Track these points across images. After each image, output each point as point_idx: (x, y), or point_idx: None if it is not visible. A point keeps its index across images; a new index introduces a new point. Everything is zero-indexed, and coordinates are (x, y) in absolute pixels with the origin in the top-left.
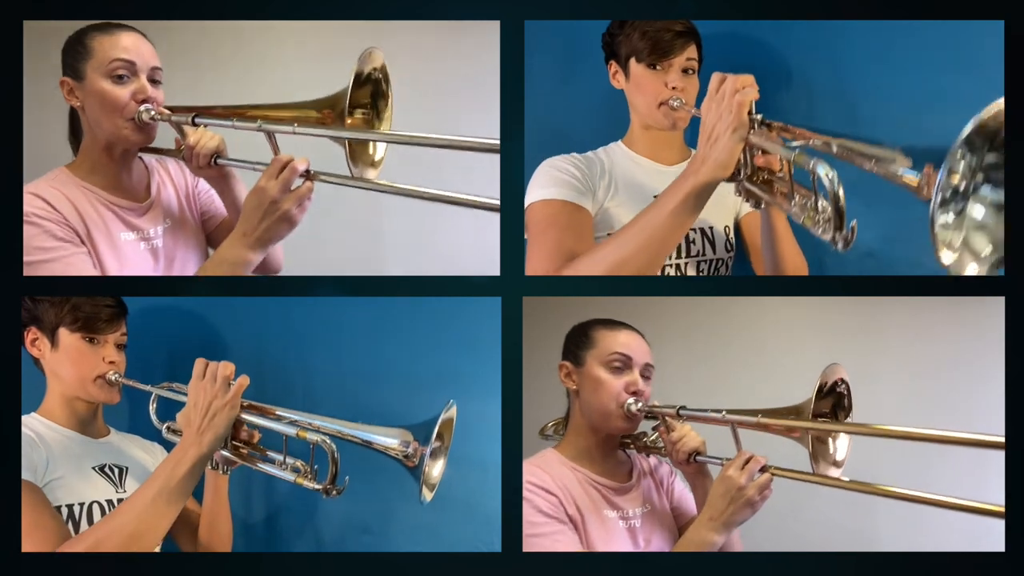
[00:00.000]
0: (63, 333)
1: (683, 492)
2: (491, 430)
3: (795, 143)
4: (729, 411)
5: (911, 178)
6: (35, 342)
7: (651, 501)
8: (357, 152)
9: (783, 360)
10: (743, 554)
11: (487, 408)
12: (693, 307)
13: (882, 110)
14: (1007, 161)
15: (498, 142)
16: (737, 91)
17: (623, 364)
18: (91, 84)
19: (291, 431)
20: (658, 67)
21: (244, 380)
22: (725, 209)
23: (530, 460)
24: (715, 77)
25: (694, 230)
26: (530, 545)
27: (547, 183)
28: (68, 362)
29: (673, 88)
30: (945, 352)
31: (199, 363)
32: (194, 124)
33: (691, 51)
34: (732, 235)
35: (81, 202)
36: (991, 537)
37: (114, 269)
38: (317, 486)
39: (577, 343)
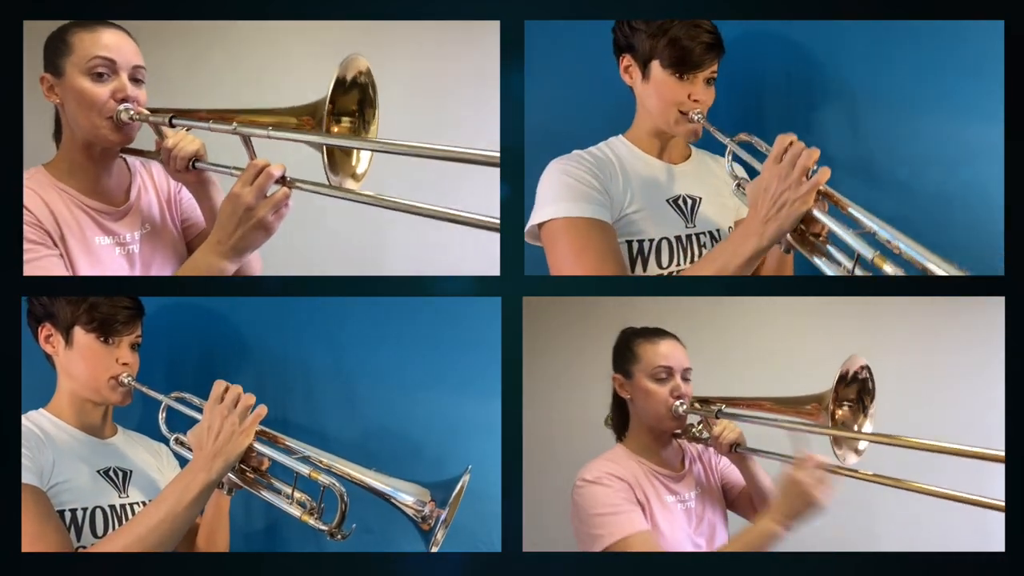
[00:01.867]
0: (78, 332)
1: (728, 466)
2: (491, 430)
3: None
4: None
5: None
6: (49, 338)
7: (702, 484)
8: (338, 162)
9: (783, 360)
10: (743, 554)
11: (487, 408)
12: (694, 307)
13: (881, 110)
14: (1007, 161)
15: (497, 154)
16: (808, 168)
17: (667, 374)
18: (70, 81)
19: (303, 468)
20: (685, 77)
21: (262, 410)
22: (727, 211)
23: (603, 456)
24: (781, 140)
25: (704, 233)
26: (607, 524)
27: (567, 196)
28: (81, 362)
29: (696, 100)
30: (945, 352)
31: (218, 385)
32: (171, 125)
33: (716, 64)
34: None
35: (56, 204)
36: (991, 537)
37: (87, 273)
38: (323, 527)
39: (624, 358)
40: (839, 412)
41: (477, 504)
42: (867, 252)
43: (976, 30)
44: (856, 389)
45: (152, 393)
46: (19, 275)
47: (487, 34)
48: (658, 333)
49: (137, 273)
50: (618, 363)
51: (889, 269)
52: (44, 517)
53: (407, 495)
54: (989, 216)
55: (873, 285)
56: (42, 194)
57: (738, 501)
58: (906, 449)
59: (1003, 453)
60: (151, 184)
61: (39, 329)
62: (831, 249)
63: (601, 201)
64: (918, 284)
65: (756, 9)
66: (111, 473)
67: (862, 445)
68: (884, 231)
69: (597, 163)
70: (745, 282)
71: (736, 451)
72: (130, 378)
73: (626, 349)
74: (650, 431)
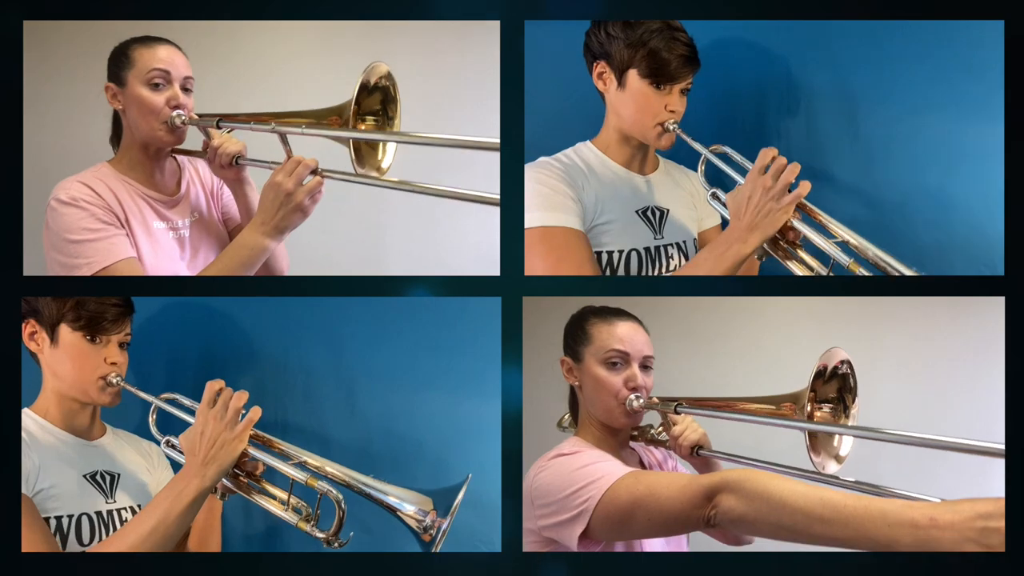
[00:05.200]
0: (64, 330)
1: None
2: (491, 430)
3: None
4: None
5: None
6: (33, 335)
7: None
8: (365, 156)
9: (782, 361)
10: (744, 554)
11: (487, 408)
12: (693, 306)
13: (881, 110)
14: (1007, 161)
15: (497, 141)
16: (790, 182)
17: (621, 360)
18: (131, 90)
19: (299, 475)
20: (663, 88)
21: (255, 413)
22: (692, 222)
23: (557, 448)
24: (765, 153)
25: (672, 245)
26: (594, 472)
27: (541, 205)
28: (68, 361)
29: (672, 111)
30: (945, 352)
31: (211, 387)
32: (218, 127)
33: (692, 76)
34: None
35: (121, 192)
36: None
37: (148, 253)
38: (319, 535)
39: (575, 338)
40: (817, 414)
41: (477, 504)
42: (843, 259)
43: (976, 30)
44: (836, 386)
45: (141, 394)
46: (19, 275)
47: (487, 34)
48: (618, 313)
49: (187, 254)
50: (568, 344)
51: (863, 271)
52: (30, 523)
53: (408, 504)
54: (989, 216)
55: (873, 285)
56: (109, 184)
57: None
58: (894, 444)
59: (1001, 446)
60: (197, 179)
61: (23, 326)
62: (802, 254)
63: (575, 210)
64: (918, 284)
65: (755, 9)
66: (98, 477)
67: (844, 451)
68: (854, 239)
69: (567, 170)
70: (745, 282)
71: (698, 454)
72: (119, 378)
73: (578, 329)
74: (602, 428)
